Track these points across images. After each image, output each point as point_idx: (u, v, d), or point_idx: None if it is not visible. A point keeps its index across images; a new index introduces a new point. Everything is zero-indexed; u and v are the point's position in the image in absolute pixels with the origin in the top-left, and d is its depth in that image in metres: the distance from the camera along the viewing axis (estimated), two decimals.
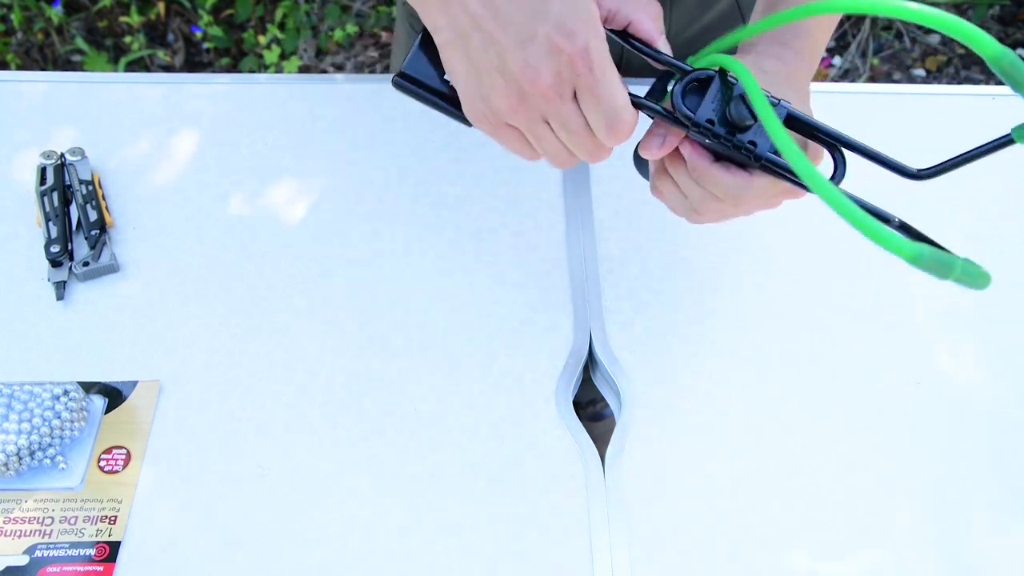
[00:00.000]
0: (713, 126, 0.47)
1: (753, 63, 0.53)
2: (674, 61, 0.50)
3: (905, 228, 0.48)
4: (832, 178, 0.48)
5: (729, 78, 0.47)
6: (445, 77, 0.52)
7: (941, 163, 0.47)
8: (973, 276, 0.39)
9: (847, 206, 0.37)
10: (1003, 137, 0.43)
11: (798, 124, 0.49)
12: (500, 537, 0.59)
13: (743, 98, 0.47)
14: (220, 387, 0.65)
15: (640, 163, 0.57)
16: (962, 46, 2.07)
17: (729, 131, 0.47)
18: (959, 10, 2.14)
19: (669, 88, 0.50)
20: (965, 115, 0.83)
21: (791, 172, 0.48)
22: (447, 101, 0.52)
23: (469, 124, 0.52)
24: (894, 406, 0.65)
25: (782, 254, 0.73)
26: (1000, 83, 0.50)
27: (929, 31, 2.11)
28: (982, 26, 2.09)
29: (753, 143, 0.47)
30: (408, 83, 0.52)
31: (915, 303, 0.70)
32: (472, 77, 0.49)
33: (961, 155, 0.46)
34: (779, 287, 0.71)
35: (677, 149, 0.51)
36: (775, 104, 0.47)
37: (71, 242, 0.70)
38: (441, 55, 0.50)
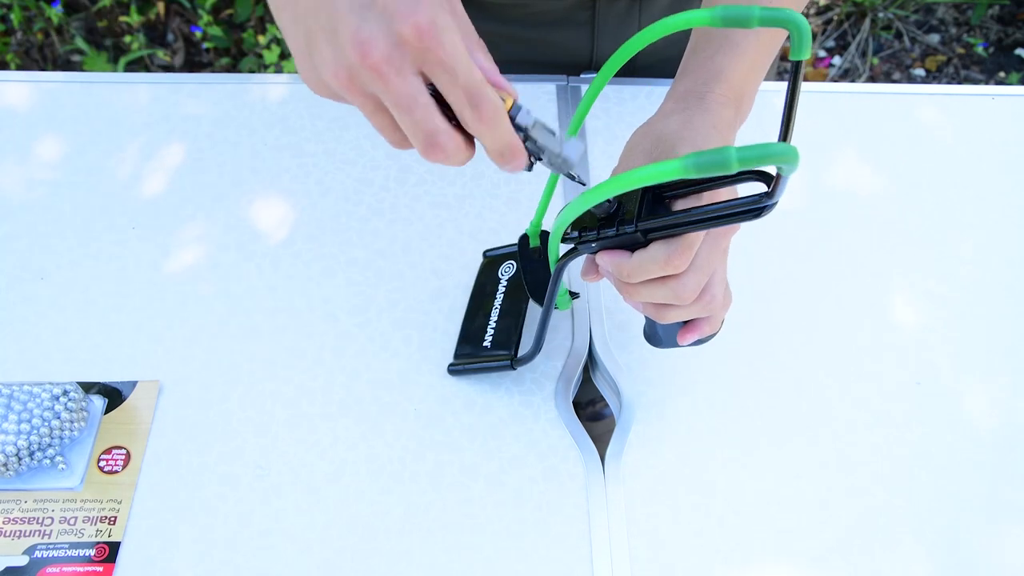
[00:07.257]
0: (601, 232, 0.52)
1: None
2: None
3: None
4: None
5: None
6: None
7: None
8: (763, 156, 0.37)
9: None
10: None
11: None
12: (500, 537, 0.59)
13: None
14: (220, 387, 0.65)
15: (651, 338, 0.61)
16: (962, 45, 2.07)
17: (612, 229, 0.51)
18: (959, 10, 2.14)
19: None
20: (965, 115, 0.83)
21: (666, 222, 0.48)
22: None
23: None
24: (894, 406, 0.65)
25: (782, 254, 0.73)
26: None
27: (929, 31, 2.11)
28: (982, 26, 2.08)
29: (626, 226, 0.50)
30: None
31: (916, 303, 0.70)
32: (301, 43, 0.41)
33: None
34: (779, 287, 0.71)
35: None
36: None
37: None
38: (275, 18, 0.43)
